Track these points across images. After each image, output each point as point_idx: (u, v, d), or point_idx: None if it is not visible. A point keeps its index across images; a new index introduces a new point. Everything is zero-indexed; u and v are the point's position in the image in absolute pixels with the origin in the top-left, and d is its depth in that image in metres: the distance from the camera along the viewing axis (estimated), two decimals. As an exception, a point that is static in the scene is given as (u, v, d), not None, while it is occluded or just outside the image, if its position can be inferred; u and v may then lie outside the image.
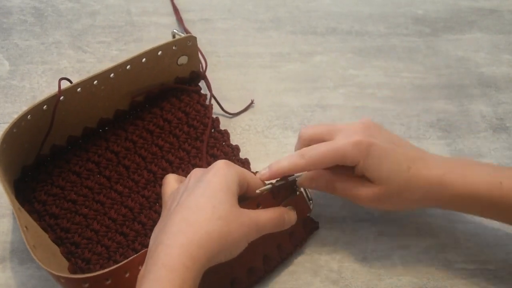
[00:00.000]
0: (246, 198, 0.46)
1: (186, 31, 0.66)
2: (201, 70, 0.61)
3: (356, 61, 0.67)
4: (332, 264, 0.51)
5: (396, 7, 0.73)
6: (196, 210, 0.42)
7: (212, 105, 0.59)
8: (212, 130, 0.57)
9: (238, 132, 0.59)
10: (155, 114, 0.57)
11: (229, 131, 0.58)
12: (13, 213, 0.47)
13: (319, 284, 0.50)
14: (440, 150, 0.60)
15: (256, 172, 0.53)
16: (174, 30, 0.59)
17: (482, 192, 0.46)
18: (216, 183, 0.43)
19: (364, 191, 0.47)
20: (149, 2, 0.70)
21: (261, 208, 0.46)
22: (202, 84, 0.61)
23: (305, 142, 0.49)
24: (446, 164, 0.47)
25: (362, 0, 0.73)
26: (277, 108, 0.62)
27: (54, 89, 0.61)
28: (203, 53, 0.63)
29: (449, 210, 0.50)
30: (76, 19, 0.68)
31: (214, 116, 0.58)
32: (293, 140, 0.59)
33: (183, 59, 0.58)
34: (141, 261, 0.43)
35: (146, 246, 0.49)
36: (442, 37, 0.70)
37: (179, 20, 0.67)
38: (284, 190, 0.48)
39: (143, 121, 0.57)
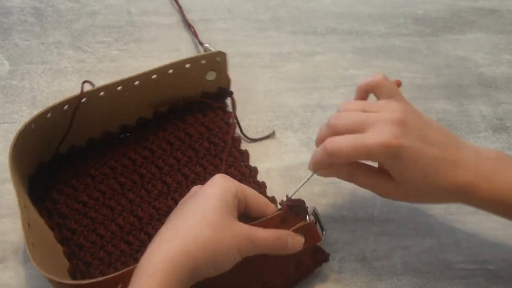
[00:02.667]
0: (253, 219, 0.45)
1: (200, 42, 0.65)
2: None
3: (356, 61, 0.67)
4: (332, 264, 0.51)
5: (396, 7, 0.73)
6: (186, 218, 0.41)
7: (235, 124, 0.58)
8: (232, 149, 0.56)
9: (238, 132, 0.59)
10: (177, 126, 0.57)
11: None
12: (20, 210, 0.46)
13: (319, 284, 0.50)
14: (440, 150, 0.60)
15: (272, 196, 0.53)
16: (206, 45, 0.59)
17: (507, 197, 0.44)
18: (211, 193, 0.42)
19: (386, 185, 0.46)
20: (149, 2, 0.70)
21: None
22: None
23: (371, 86, 0.48)
24: (476, 166, 0.45)
25: (362, 0, 0.73)
26: (277, 108, 0.62)
27: (54, 89, 0.62)
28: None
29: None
30: (76, 19, 0.68)
31: (236, 135, 0.58)
32: (293, 140, 0.59)
33: (211, 75, 0.57)
34: (123, 279, 0.42)
35: None
36: (442, 37, 0.70)
37: (194, 34, 0.66)
38: (294, 216, 0.47)
39: (164, 132, 0.57)
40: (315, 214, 0.50)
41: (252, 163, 0.56)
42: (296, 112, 0.62)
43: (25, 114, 0.59)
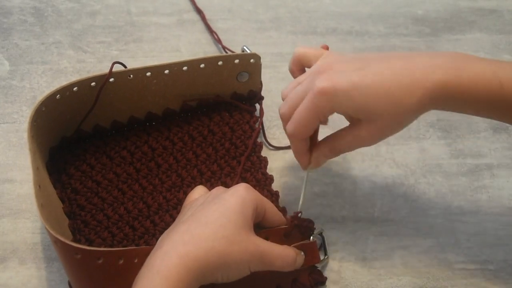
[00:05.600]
0: (258, 228, 0.46)
1: (223, 47, 0.65)
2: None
3: (356, 61, 0.67)
4: (332, 264, 0.51)
5: (396, 7, 0.73)
6: (203, 225, 0.41)
7: (260, 128, 0.57)
8: (252, 154, 0.56)
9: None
10: (202, 122, 0.57)
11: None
12: (32, 171, 0.46)
13: (319, 284, 0.50)
14: (440, 150, 0.60)
15: (283, 207, 0.53)
16: (244, 47, 0.59)
17: (481, 93, 0.41)
18: (231, 203, 0.42)
19: (367, 133, 0.43)
20: (149, 2, 0.70)
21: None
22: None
23: (295, 61, 0.48)
24: (439, 65, 0.41)
25: (362, 0, 0.73)
26: (277, 108, 0.61)
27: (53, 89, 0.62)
28: (204, 53, 0.63)
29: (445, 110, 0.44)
30: (76, 19, 0.68)
31: (259, 140, 0.57)
32: (293, 140, 0.59)
33: (244, 76, 0.57)
34: (138, 254, 0.43)
35: (150, 245, 0.49)
36: (442, 37, 0.70)
37: (218, 41, 0.66)
38: (299, 233, 0.48)
39: (189, 126, 0.57)
40: (321, 236, 0.51)
41: (267, 166, 0.56)
42: (296, 112, 0.62)
43: (25, 114, 0.59)
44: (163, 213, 0.51)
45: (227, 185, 0.52)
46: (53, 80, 0.62)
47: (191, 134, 0.56)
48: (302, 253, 0.47)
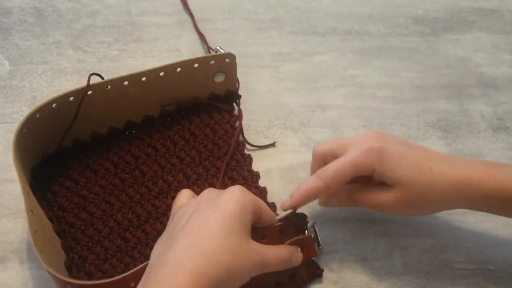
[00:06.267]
0: (254, 228, 0.45)
1: (209, 47, 0.65)
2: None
3: (356, 61, 0.67)
4: (332, 264, 0.51)
5: (396, 7, 0.73)
6: (207, 237, 0.40)
7: (241, 126, 0.58)
8: (236, 153, 0.56)
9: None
10: (183, 126, 0.57)
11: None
12: (23, 197, 0.46)
13: (319, 284, 0.50)
14: (440, 150, 0.60)
15: (272, 202, 0.53)
16: (217, 47, 0.59)
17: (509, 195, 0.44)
18: (230, 210, 0.41)
19: (385, 196, 0.46)
20: (149, 2, 0.70)
21: (265, 241, 0.45)
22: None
23: (319, 159, 0.48)
24: (471, 163, 0.46)
25: (362, 0, 0.73)
26: (277, 108, 0.62)
27: (54, 89, 0.62)
28: (204, 53, 0.63)
29: (473, 210, 0.48)
30: (76, 19, 0.68)
31: (240, 139, 0.58)
32: (293, 140, 0.59)
33: (220, 77, 0.57)
34: (136, 278, 0.41)
35: (144, 255, 0.49)
36: (442, 37, 0.70)
37: (203, 40, 0.66)
38: (293, 228, 0.47)
39: (169, 131, 0.57)
40: (314, 229, 0.51)
41: (252, 163, 0.56)
42: (296, 112, 0.62)
43: (25, 114, 0.59)
44: (154, 221, 0.51)
45: (213, 186, 0.52)
46: (53, 80, 0.62)
47: (172, 139, 0.56)
48: (299, 248, 0.47)
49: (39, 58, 0.64)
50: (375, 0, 0.73)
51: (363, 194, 0.47)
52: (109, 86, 0.52)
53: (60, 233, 0.50)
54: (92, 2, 0.70)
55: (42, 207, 0.50)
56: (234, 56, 0.56)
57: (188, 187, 0.53)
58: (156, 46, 0.66)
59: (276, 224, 0.46)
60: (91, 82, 0.50)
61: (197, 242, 0.40)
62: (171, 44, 0.67)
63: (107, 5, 0.70)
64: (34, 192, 0.50)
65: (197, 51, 0.66)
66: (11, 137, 0.56)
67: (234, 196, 0.42)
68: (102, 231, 0.50)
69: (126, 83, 0.52)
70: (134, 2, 0.70)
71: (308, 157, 0.58)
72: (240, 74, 0.64)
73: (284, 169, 0.57)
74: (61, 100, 0.50)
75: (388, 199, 0.46)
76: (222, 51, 0.58)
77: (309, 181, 0.46)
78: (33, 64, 0.63)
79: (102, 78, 0.52)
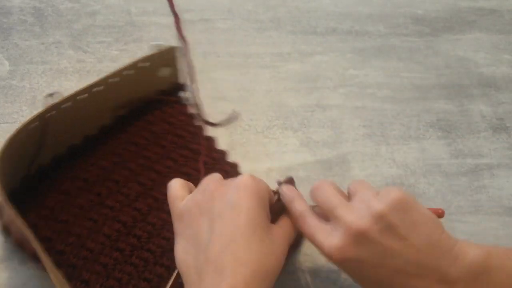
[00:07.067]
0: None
1: (182, 38, 0.65)
2: (189, 78, 0.59)
3: (356, 61, 0.67)
4: (332, 264, 0.51)
5: (396, 7, 0.73)
6: (246, 246, 0.38)
7: (199, 113, 0.57)
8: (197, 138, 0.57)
9: (238, 132, 0.59)
10: (140, 127, 0.57)
11: (229, 131, 0.58)
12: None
13: (319, 284, 0.50)
14: (440, 150, 0.60)
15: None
16: (152, 43, 0.58)
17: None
18: (254, 206, 0.39)
19: (329, 241, 0.40)
20: (149, 2, 0.70)
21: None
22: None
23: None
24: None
25: (362, 0, 0.73)
26: (277, 108, 0.62)
27: (54, 89, 0.61)
28: (203, 53, 0.63)
29: None
30: (76, 19, 0.68)
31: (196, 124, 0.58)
32: (293, 140, 0.59)
33: (165, 71, 0.57)
34: None
35: (144, 259, 0.48)
36: (442, 37, 0.70)
37: (178, 29, 0.66)
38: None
39: (127, 134, 0.56)
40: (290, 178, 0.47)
41: (252, 163, 0.56)
42: (296, 112, 0.62)
43: (25, 114, 0.59)
44: (141, 224, 0.50)
45: (187, 174, 0.53)
46: (53, 80, 0.62)
47: (133, 141, 0.56)
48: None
49: (39, 58, 0.64)
50: (375, 0, 0.73)
51: (311, 223, 0.42)
52: (64, 105, 0.50)
53: (55, 265, 0.48)
54: (92, 2, 0.70)
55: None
56: (176, 49, 0.56)
57: (162, 182, 0.50)
58: (156, 46, 0.66)
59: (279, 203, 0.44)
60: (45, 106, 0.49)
61: (238, 254, 0.37)
62: (171, 44, 0.67)
63: (107, 5, 0.69)
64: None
65: (197, 51, 0.66)
66: (11, 137, 0.56)
67: (251, 189, 0.40)
68: (94, 249, 0.49)
69: (79, 97, 0.51)
70: (134, 2, 0.70)
71: (308, 157, 0.58)
72: (240, 74, 0.64)
73: (284, 169, 0.57)
74: (22, 132, 0.47)
75: (330, 244, 0.40)
76: (162, 45, 0.57)
77: (299, 205, 0.43)
78: (33, 64, 0.63)
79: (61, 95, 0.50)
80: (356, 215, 0.39)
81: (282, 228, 0.42)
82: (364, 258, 0.39)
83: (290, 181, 0.46)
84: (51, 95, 0.50)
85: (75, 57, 0.64)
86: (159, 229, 0.50)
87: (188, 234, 0.41)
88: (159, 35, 0.67)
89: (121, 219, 0.51)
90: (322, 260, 0.51)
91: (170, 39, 0.67)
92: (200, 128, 0.57)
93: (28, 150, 0.50)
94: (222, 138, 0.58)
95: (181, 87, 0.60)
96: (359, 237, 0.38)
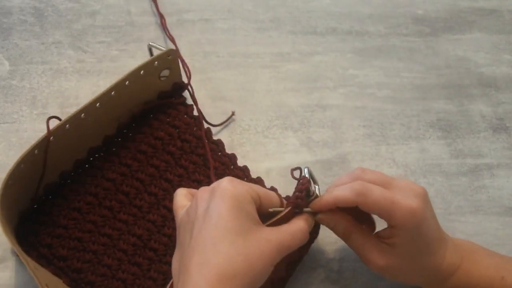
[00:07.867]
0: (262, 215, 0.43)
1: (169, 37, 0.65)
2: (186, 78, 0.59)
3: (356, 61, 0.67)
4: (332, 264, 0.51)
5: (396, 7, 0.73)
6: (213, 249, 0.38)
7: (201, 115, 0.57)
8: (206, 142, 0.56)
9: (238, 132, 0.59)
10: (145, 134, 0.56)
11: (229, 131, 0.58)
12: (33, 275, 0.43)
13: (319, 284, 0.50)
14: (440, 150, 0.60)
15: (271, 187, 0.52)
16: (150, 43, 0.58)
17: (482, 286, 0.46)
18: (226, 211, 0.39)
19: (379, 258, 0.44)
20: (149, 2, 0.70)
21: (277, 220, 0.43)
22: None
23: (353, 179, 0.45)
24: (460, 253, 0.47)
25: (362, 0, 0.73)
26: (277, 108, 0.62)
27: (54, 89, 0.62)
28: (203, 53, 0.62)
29: None
30: (76, 19, 0.68)
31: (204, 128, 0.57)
32: (293, 140, 0.59)
33: (165, 72, 0.56)
34: None
35: (162, 273, 0.49)
36: (442, 37, 0.70)
37: (163, 25, 0.66)
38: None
39: (133, 143, 0.55)
40: (309, 171, 0.47)
41: (252, 163, 0.56)
42: (296, 112, 0.62)
43: (25, 114, 0.59)
44: (157, 236, 0.50)
45: (199, 182, 0.52)
46: (53, 80, 0.62)
47: (139, 149, 0.55)
48: (309, 215, 0.45)
49: (39, 58, 0.64)
50: (375, 0, 0.73)
51: (361, 237, 0.45)
52: (67, 125, 0.49)
53: (72, 283, 0.48)
54: (92, 2, 0.70)
55: (42, 265, 0.48)
56: (175, 50, 0.56)
57: (174, 191, 0.50)
58: (156, 46, 0.66)
59: (286, 212, 0.44)
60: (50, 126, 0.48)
61: (205, 257, 0.38)
62: (171, 44, 0.67)
63: (107, 5, 0.69)
64: (27, 253, 0.47)
65: (197, 51, 0.66)
66: (11, 137, 0.56)
67: (226, 193, 0.40)
68: (112, 265, 0.49)
69: (83, 115, 0.50)
70: (134, 2, 0.70)
71: (308, 157, 0.58)
72: (240, 74, 0.64)
73: (284, 169, 0.57)
74: (27, 157, 0.46)
75: (380, 259, 0.44)
76: (160, 48, 0.56)
77: (343, 190, 0.43)
78: (33, 64, 0.63)
79: (59, 119, 0.49)
80: (412, 183, 0.45)
81: (279, 233, 0.41)
82: (429, 219, 0.44)
83: (303, 179, 0.45)
84: (54, 117, 0.49)
85: (75, 57, 0.64)
86: (175, 240, 0.50)
87: (179, 241, 0.42)
88: (159, 35, 0.67)
89: (136, 232, 0.50)
90: (322, 261, 0.51)
91: (167, 39, 0.67)
92: (207, 132, 0.56)
93: (34, 175, 0.49)
94: (222, 138, 0.58)
95: (183, 87, 0.59)
96: (426, 198, 0.44)
